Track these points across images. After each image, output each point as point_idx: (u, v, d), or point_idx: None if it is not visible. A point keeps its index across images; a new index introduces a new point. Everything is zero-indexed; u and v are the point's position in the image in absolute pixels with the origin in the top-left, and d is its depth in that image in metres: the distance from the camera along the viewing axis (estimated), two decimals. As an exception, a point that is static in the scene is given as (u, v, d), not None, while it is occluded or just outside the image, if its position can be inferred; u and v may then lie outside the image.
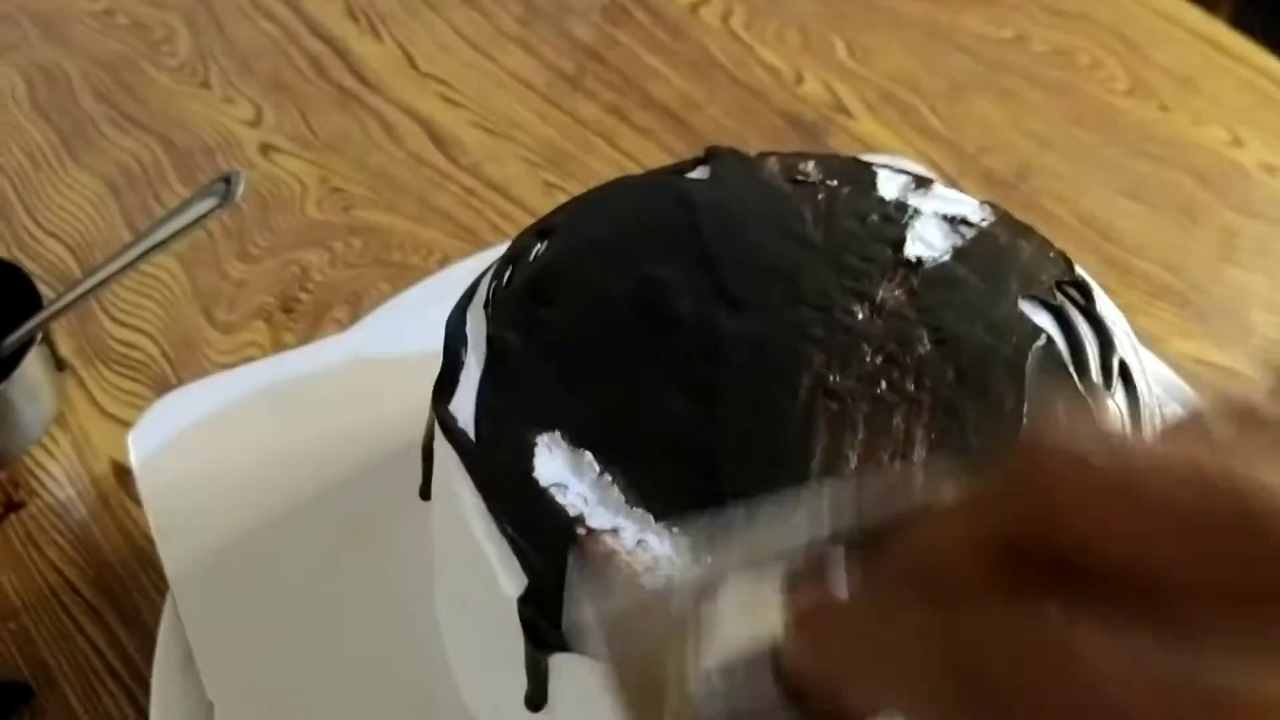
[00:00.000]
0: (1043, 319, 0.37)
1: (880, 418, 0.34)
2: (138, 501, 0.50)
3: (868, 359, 0.35)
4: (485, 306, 0.38)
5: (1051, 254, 0.40)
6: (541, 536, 0.32)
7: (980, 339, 0.36)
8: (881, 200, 0.41)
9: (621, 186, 0.43)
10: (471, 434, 0.34)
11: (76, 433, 0.52)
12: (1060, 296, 0.38)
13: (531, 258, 0.39)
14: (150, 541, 0.49)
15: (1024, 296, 0.37)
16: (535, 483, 0.32)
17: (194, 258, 0.59)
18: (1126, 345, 0.37)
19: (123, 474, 0.51)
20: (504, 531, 0.33)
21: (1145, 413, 0.35)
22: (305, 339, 0.55)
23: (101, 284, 0.48)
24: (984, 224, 0.40)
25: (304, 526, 0.45)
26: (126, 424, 0.52)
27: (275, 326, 0.56)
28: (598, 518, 0.32)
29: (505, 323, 0.37)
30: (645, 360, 0.35)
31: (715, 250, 0.38)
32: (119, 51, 0.70)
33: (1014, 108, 0.69)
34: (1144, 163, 0.66)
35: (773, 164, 0.42)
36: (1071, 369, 0.35)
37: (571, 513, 0.32)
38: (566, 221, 0.40)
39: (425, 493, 0.40)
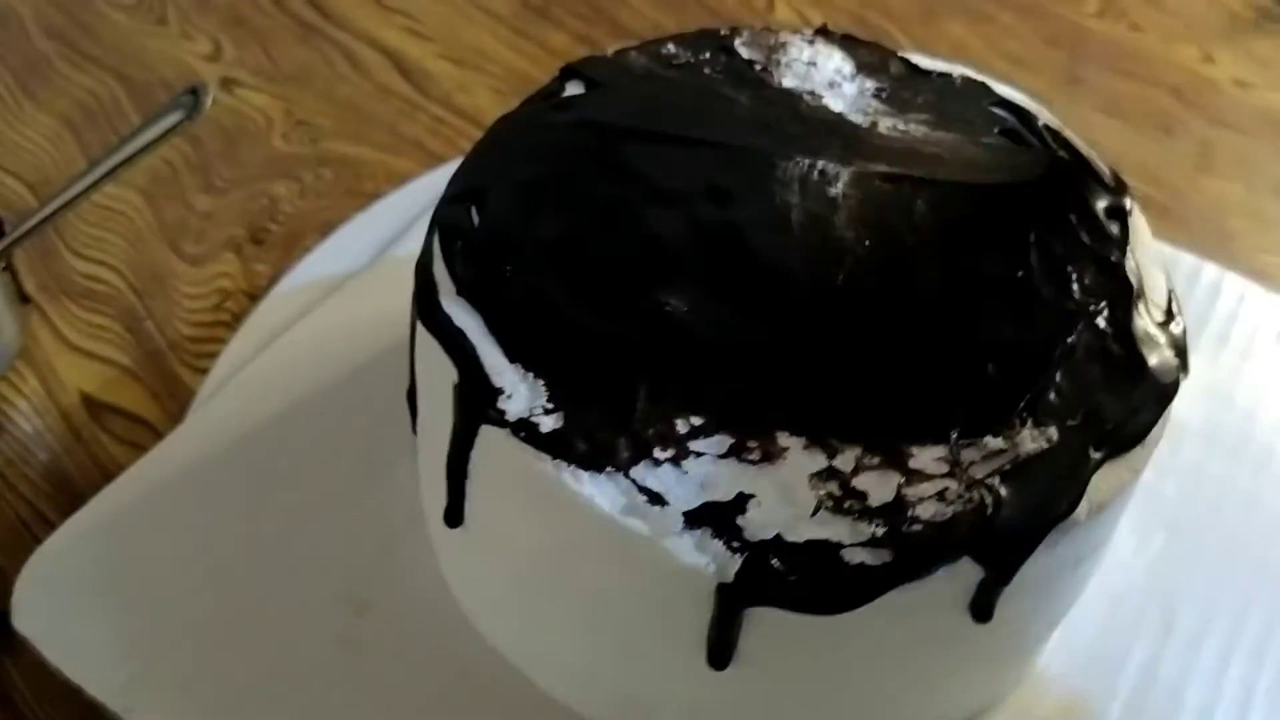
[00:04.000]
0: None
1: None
2: (109, 433, 0.48)
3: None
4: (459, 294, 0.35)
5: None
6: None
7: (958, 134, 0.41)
8: (750, 62, 0.42)
9: (515, 128, 0.40)
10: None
11: (43, 367, 0.50)
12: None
13: (475, 226, 0.36)
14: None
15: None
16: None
17: (156, 191, 0.57)
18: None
19: (93, 406, 0.49)
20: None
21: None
22: (278, 269, 0.54)
23: (63, 208, 0.46)
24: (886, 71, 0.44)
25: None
26: (95, 357, 0.51)
27: (245, 258, 0.55)
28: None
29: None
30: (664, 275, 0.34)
31: (655, 161, 0.37)
32: (71, -9, 0.68)
33: (986, 30, 0.68)
34: (1118, 80, 0.66)
35: (636, 57, 0.41)
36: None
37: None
38: (493, 184, 0.37)
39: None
